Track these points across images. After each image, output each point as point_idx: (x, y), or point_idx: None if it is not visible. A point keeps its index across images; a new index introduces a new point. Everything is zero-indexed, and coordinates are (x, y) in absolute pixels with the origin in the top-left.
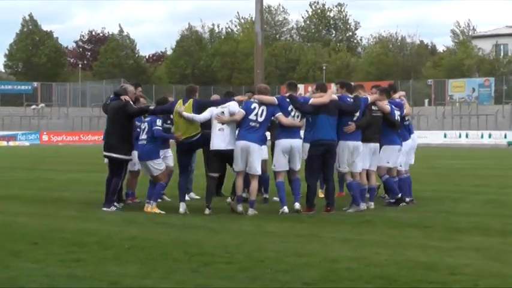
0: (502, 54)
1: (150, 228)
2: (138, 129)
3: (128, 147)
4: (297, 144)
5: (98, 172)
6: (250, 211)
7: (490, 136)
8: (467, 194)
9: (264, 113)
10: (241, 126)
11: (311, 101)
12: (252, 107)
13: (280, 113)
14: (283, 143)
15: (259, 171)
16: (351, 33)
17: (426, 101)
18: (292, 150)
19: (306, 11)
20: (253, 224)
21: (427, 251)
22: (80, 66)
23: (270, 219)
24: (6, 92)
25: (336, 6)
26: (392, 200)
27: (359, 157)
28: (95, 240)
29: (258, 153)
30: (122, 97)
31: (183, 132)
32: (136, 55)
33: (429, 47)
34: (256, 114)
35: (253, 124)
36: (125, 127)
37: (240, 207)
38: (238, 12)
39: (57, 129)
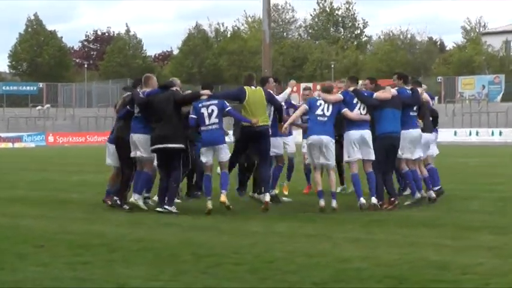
0: None
1: (158, 230)
2: (194, 116)
3: (184, 136)
4: (368, 135)
5: (104, 173)
6: (334, 203)
7: (500, 134)
8: (478, 192)
9: (331, 108)
10: (309, 121)
11: (375, 95)
12: (318, 103)
13: (346, 109)
14: (354, 134)
15: (334, 163)
16: (359, 31)
17: (436, 98)
18: (363, 140)
19: (314, 9)
20: (262, 225)
21: (438, 250)
22: (86, 66)
23: (279, 220)
24: (11, 93)
25: (345, 3)
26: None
27: (419, 145)
28: (102, 242)
29: (333, 145)
30: (173, 88)
31: (259, 119)
32: (144, 55)
33: (438, 44)
34: (323, 109)
35: (320, 118)
36: (179, 116)
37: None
38: (245, 11)
39: (63, 130)
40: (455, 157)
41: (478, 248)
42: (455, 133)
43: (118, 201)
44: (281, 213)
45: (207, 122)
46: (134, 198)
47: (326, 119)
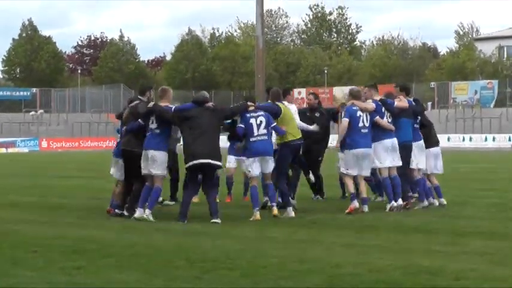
0: (505, 56)
1: (151, 235)
2: (242, 125)
3: (220, 155)
4: (396, 142)
5: (97, 179)
6: (365, 208)
7: (494, 139)
8: (471, 198)
9: (368, 117)
10: (352, 133)
11: (396, 104)
12: (358, 115)
13: (377, 117)
14: (387, 142)
15: (369, 174)
16: (351, 37)
17: (429, 104)
18: (394, 148)
19: (307, 14)
20: (255, 230)
21: (431, 255)
22: (79, 71)
23: (272, 225)
24: (4, 99)
25: (337, 9)
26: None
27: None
28: (96, 247)
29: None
30: (209, 104)
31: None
32: (137, 60)
33: (431, 50)
34: (363, 121)
35: (363, 131)
36: (219, 133)
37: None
38: (237, 17)
39: (56, 135)
40: (448, 163)
41: (471, 254)
42: (448, 139)
43: (120, 213)
44: (274, 219)
45: (255, 132)
46: (145, 214)
47: (367, 130)
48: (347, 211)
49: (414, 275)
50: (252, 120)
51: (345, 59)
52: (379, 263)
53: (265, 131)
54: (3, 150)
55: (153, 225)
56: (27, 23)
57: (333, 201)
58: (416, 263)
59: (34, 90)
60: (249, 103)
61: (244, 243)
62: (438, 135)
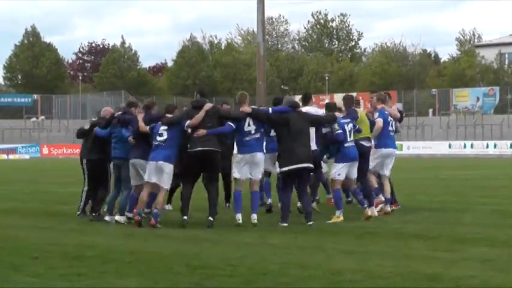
0: (506, 63)
1: (151, 241)
2: (340, 131)
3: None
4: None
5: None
6: (387, 207)
7: (495, 146)
8: (472, 204)
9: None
10: (383, 135)
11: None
12: (389, 119)
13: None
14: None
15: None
16: (353, 43)
17: (430, 110)
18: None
19: (308, 21)
20: (256, 236)
21: (431, 262)
22: (80, 78)
23: (273, 231)
24: (6, 105)
25: (339, 16)
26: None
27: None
28: (96, 253)
29: None
30: (300, 109)
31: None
32: (139, 66)
33: (432, 56)
34: (391, 124)
35: (391, 133)
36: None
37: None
38: (237, 24)
39: (57, 141)
40: (450, 169)
41: (471, 261)
42: (449, 145)
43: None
44: (274, 225)
45: (349, 138)
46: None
47: (393, 133)
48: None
49: (414, 282)
50: (346, 127)
51: (346, 66)
52: (379, 270)
53: (352, 138)
54: (4, 156)
55: (153, 231)
56: (29, 29)
57: (333, 208)
58: (417, 270)
59: (35, 96)
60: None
61: (244, 250)
62: (439, 142)
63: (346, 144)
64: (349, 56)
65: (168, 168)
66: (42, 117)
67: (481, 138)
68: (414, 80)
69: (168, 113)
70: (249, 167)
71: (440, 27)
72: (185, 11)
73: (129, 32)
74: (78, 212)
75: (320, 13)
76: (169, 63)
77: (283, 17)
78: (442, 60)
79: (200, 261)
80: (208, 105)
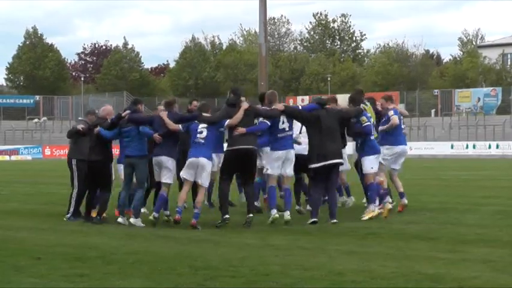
0: (509, 63)
1: (154, 242)
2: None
3: None
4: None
5: None
6: (404, 200)
7: (497, 147)
8: (474, 205)
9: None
10: (396, 132)
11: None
12: (401, 117)
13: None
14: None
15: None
16: (355, 44)
17: (433, 111)
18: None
19: (310, 22)
20: (258, 237)
21: (434, 263)
22: (82, 79)
23: (275, 232)
24: (8, 106)
25: (340, 17)
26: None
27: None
28: (98, 254)
29: None
30: (332, 106)
31: None
32: (141, 68)
33: (435, 57)
34: (403, 123)
35: (404, 131)
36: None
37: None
38: (240, 24)
39: (59, 142)
40: (452, 170)
41: (474, 261)
42: (452, 146)
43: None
44: (276, 226)
45: (373, 132)
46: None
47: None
48: (399, 209)
49: (416, 283)
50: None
51: (349, 67)
52: (381, 271)
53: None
54: (7, 157)
55: (156, 232)
56: (31, 30)
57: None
58: (419, 271)
59: (37, 97)
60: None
61: (247, 251)
62: (442, 143)
63: (371, 137)
64: (352, 57)
65: (209, 166)
66: (45, 118)
67: (484, 138)
68: (416, 80)
69: (203, 112)
70: (282, 164)
71: (443, 27)
72: (187, 12)
73: (132, 33)
74: (68, 215)
75: (321, 14)
76: (172, 64)
77: (285, 18)
78: (444, 61)
79: (203, 262)
80: (245, 105)
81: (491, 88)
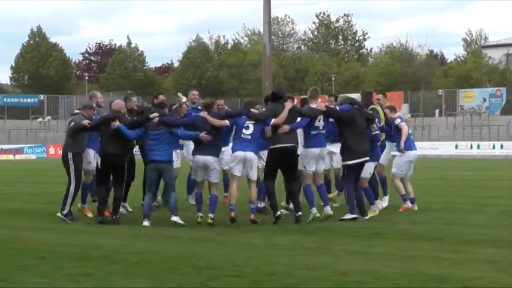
0: None
1: (158, 242)
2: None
3: None
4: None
5: None
6: (414, 207)
7: (502, 147)
8: (479, 205)
9: None
10: (408, 138)
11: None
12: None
13: None
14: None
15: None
16: (358, 44)
17: (437, 111)
18: None
19: (313, 22)
20: (262, 237)
21: (438, 263)
22: (87, 78)
23: (279, 232)
24: (12, 105)
25: (342, 17)
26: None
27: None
28: (102, 254)
29: None
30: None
31: None
32: (145, 67)
33: (439, 57)
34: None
35: (411, 137)
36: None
37: None
38: (244, 24)
39: (63, 142)
40: (456, 170)
41: (478, 262)
42: (456, 146)
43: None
44: (280, 226)
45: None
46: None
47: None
48: (401, 210)
49: (421, 283)
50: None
51: (353, 67)
52: (385, 271)
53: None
54: (11, 156)
55: (160, 232)
56: (35, 30)
57: (340, 208)
58: (423, 271)
59: (42, 97)
60: None
61: (251, 251)
62: (446, 143)
63: (377, 144)
64: (356, 56)
65: (256, 160)
66: (49, 117)
67: (488, 139)
68: (421, 80)
69: (250, 108)
70: (316, 161)
71: (447, 28)
72: (192, 12)
73: (137, 33)
74: (64, 212)
75: (324, 14)
76: (176, 64)
77: (289, 17)
78: (448, 61)
79: (206, 262)
80: (289, 105)
81: (496, 88)
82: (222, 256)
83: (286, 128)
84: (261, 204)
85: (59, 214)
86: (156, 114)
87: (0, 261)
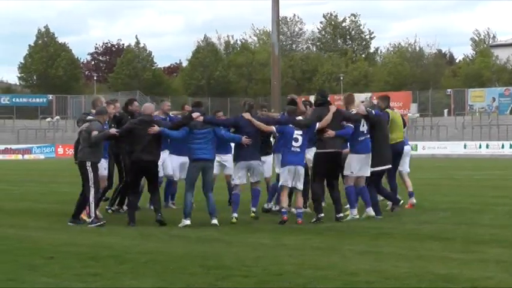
0: None
1: (166, 242)
2: None
3: None
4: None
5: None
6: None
7: (510, 146)
8: (487, 205)
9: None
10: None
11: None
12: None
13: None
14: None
15: None
16: (365, 43)
17: (446, 111)
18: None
19: (320, 22)
20: (270, 237)
21: (447, 263)
22: (95, 78)
23: (287, 232)
24: (21, 105)
25: (349, 17)
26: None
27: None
28: (111, 254)
29: None
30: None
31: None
32: (153, 67)
33: (448, 57)
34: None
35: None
36: None
37: None
38: (253, 24)
39: (72, 142)
40: (465, 170)
41: (487, 262)
42: (465, 146)
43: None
44: (289, 226)
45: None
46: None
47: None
48: (407, 207)
49: (430, 283)
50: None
51: (361, 66)
52: (394, 271)
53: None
54: (20, 156)
55: (169, 232)
56: (43, 30)
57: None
58: (432, 271)
59: (50, 97)
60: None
61: (259, 251)
62: (454, 142)
63: None
64: (364, 56)
65: (303, 171)
66: (57, 117)
67: (497, 138)
68: (429, 80)
69: (293, 115)
70: (361, 166)
71: (455, 27)
72: (200, 12)
73: (145, 33)
74: (91, 220)
75: (331, 14)
76: (184, 64)
77: (298, 17)
78: (457, 60)
79: (215, 262)
80: (333, 108)
81: (505, 88)
82: (231, 256)
83: (331, 133)
84: (268, 206)
85: (90, 226)
86: (197, 113)
87: (9, 260)
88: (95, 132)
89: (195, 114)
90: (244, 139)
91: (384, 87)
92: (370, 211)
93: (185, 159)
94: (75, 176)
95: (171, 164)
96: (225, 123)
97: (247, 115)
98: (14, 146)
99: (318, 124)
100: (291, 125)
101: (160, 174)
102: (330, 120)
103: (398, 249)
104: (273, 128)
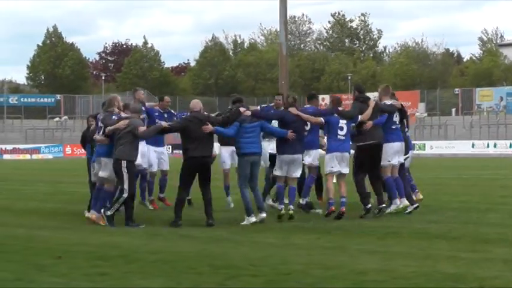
0: None
1: (174, 241)
2: None
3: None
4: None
5: None
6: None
7: None
8: (495, 204)
9: None
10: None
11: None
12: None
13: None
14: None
15: None
16: (373, 43)
17: (453, 110)
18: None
19: (329, 21)
20: (279, 236)
21: (455, 262)
22: (103, 78)
23: (296, 231)
24: (29, 105)
25: (359, 16)
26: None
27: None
28: (119, 253)
29: None
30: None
31: None
32: (162, 67)
33: (455, 56)
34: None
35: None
36: None
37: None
38: (261, 23)
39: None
40: (473, 169)
41: (495, 261)
42: (473, 145)
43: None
44: (297, 225)
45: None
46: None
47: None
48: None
49: (438, 282)
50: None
51: (369, 65)
52: (402, 270)
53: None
54: (28, 156)
55: (177, 231)
56: (51, 29)
57: (356, 207)
58: (440, 270)
59: (58, 96)
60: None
61: (268, 250)
62: (462, 141)
63: None
64: (371, 55)
65: (348, 156)
66: (65, 117)
67: (505, 137)
68: (437, 79)
69: (337, 105)
70: (396, 154)
71: (464, 26)
72: (208, 12)
73: (154, 32)
74: (128, 222)
75: (339, 13)
76: (192, 63)
77: (306, 16)
78: (464, 60)
79: (223, 261)
80: (373, 102)
81: None
82: (239, 255)
83: (369, 123)
84: (303, 201)
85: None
86: (244, 108)
87: (17, 260)
88: (142, 128)
89: (242, 109)
90: (290, 133)
91: (391, 86)
92: (404, 201)
93: (162, 150)
94: (83, 176)
95: (150, 155)
96: (273, 117)
97: (293, 109)
98: (22, 146)
99: (360, 117)
100: (335, 115)
101: (145, 165)
102: (370, 114)
103: (407, 248)
104: (322, 119)
